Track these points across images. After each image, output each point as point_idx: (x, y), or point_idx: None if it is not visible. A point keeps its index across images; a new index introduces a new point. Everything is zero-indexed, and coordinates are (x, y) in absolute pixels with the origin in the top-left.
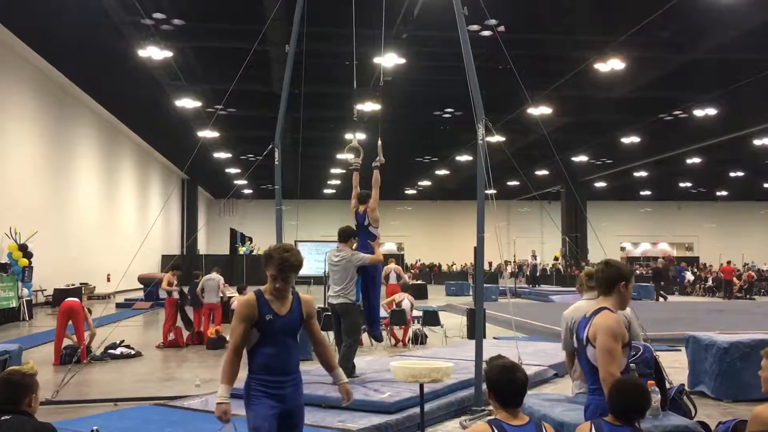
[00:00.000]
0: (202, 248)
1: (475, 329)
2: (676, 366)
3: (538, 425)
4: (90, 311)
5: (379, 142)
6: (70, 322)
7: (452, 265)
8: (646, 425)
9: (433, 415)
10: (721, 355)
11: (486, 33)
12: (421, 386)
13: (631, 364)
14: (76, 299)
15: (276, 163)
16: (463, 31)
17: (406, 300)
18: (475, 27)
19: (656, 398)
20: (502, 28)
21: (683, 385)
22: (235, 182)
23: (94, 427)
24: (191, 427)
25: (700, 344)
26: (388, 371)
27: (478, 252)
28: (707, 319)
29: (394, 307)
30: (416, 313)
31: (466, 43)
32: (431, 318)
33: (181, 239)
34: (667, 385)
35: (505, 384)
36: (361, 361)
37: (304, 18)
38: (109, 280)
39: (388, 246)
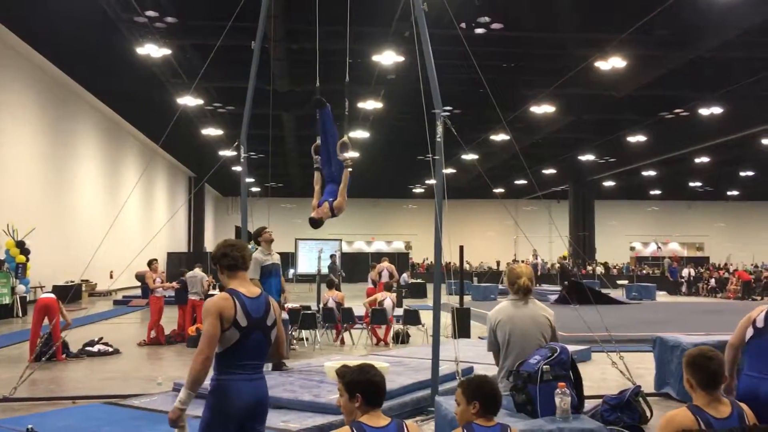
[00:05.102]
0: (209, 245)
1: (433, 330)
2: (650, 368)
3: (399, 425)
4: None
5: (345, 139)
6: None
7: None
8: (551, 427)
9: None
10: None
11: (480, 31)
12: None
13: (545, 366)
14: (53, 296)
15: (241, 160)
16: (423, 28)
17: (388, 299)
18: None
19: (566, 401)
20: (499, 26)
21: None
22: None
23: (29, 426)
24: (129, 426)
25: (666, 345)
26: None
27: (436, 254)
28: (697, 320)
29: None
30: (399, 312)
31: (426, 43)
32: (412, 317)
33: (188, 237)
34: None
35: (363, 384)
36: (327, 360)
37: (267, 13)
38: (111, 277)
39: (396, 244)
